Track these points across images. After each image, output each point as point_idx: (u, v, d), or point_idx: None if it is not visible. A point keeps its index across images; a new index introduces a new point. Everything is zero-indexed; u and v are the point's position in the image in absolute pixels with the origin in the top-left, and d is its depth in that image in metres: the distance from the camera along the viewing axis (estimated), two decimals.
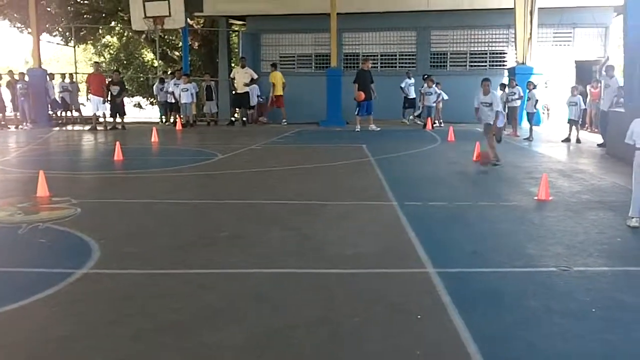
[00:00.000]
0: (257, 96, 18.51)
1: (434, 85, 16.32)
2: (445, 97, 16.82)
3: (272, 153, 11.52)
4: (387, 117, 17.31)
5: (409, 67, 19.47)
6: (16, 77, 18.23)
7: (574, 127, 12.84)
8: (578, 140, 12.71)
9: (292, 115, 19.04)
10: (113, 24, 26.04)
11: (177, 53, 27.09)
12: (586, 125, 15.40)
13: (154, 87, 20.16)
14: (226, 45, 22.32)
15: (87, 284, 4.09)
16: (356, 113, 15.78)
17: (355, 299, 3.80)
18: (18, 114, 17.81)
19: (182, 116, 17.43)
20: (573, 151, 11.42)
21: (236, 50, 24.53)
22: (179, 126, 16.78)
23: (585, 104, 15.33)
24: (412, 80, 17.50)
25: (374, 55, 20.20)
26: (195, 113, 18.83)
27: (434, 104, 16.41)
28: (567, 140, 12.76)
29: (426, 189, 7.60)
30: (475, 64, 19.84)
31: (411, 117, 17.79)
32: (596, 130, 14.16)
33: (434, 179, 8.44)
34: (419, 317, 3.49)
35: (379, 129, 15.59)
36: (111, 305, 3.70)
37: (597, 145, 11.84)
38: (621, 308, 3.62)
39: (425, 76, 16.87)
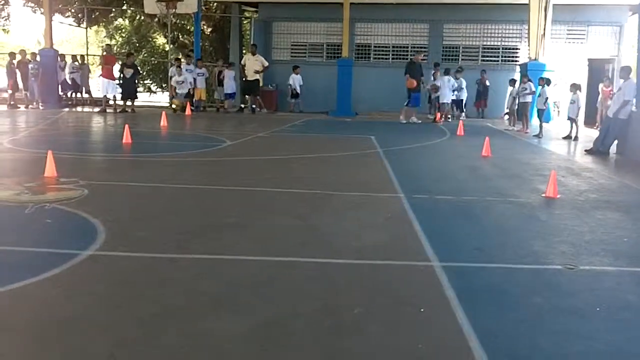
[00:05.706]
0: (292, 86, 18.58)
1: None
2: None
3: (280, 141, 11.51)
4: (397, 109, 17.26)
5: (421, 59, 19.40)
6: (28, 57, 18.28)
7: (573, 124, 12.91)
8: (576, 138, 12.76)
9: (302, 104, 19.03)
10: (125, 6, 26.00)
11: (188, 38, 27.03)
12: (597, 124, 15.30)
13: (170, 71, 19.52)
14: (238, 32, 22.28)
15: (92, 265, 4.10)
16: (405, 104, 15.69)
17: (359, 290, 3.79)
18: (28, 93, 17.86)
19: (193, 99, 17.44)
20: (582, 149, 11.33)
21: (248, 37, 24.47)
22: (188, 111, 16.79)
23: (596, 102, 15.26)
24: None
25: (386, 47, 20.13)
26: (205, 99, 18.81)
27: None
28: (568, 137, 12.90)
29: (434, 182, 7.58)
30: (488, 58, 19.72)
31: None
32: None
33: (441, 173, 8.42)
34: (422, 310, 3.48)
35: (420, 122, 15.56)
36: (115, 288, 3.71)
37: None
38: (626, 308, 3.60)
39: (458, 69, 17.28)
